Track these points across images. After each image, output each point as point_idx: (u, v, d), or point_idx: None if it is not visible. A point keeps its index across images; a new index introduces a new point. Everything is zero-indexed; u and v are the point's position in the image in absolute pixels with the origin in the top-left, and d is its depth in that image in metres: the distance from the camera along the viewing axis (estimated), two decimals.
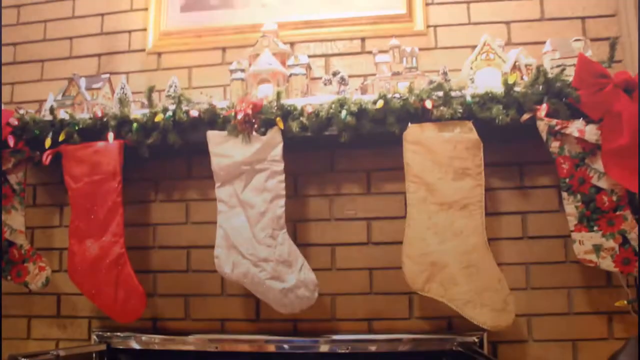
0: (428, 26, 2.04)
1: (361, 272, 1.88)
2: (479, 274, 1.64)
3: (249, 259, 1.71)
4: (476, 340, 1.76)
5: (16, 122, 1.88)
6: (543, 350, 1.80)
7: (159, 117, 1.77)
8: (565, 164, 1.64)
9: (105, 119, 1.83)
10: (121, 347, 1.96)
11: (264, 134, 1.72)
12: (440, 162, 1.67)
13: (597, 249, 1.62)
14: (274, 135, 1.71)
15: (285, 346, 1.85)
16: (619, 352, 1.18)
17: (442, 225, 1.67)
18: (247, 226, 1.73)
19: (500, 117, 1.61)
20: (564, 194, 1.65)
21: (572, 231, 1.65)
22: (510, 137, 1.79)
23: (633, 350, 1.14)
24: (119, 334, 1.96)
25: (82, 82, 1.99)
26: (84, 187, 1.84)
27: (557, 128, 1.62)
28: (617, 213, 1.61)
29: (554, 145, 1.65)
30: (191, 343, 1.90)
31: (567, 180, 1.64)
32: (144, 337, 1.94)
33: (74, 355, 1.95)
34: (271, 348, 1.87)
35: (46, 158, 1.84)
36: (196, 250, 1.97)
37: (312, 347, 1.85)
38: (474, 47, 1.80)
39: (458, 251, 1.66)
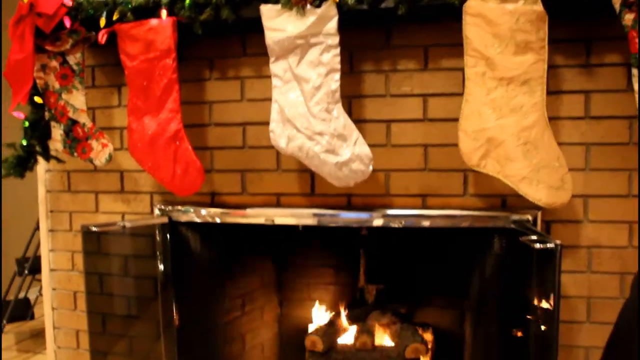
0: None
1: (416, 149, 1.86)
2: (537, 150, 1.61)
3: (303, 132, 1.72)
4: (530, 218, 1.75)
5: (70, 3, 1.88)
6: (597, 231, 1.78)
7: None
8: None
9: None
10: (182, 220, 2.06)
11: (318, 6, 1.66)
12: (501, 36, 1.59)
13: None
14: (329, 8, 1.65)
15: (340, 220, 1.90)
16: None
17: (500, 100, 1.62)
18: (301, 100, 1.72)
19: None
20: (634, 71, 1.55)
21: (638, 109, 1.58)
22: (578, 11, 1.68)
23: None
24: (179, 207, 2.05)
25: None
26: (140, 65, 1.86)
27: None
28: None
29: (628, 18, 1.52)
30: (248, 216, 1.98)
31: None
32: (203, 211, 2.02)
33: (138, 227, 2.08)
34: (326, 221, 1.92)
35: (102, 37, 1.85)
36: (251, 126, 1.99)
37: (365, 221, 1.89)
38: None
39: (516, 127, 1.61)
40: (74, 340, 2.33)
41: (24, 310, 3.83)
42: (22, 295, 3.83)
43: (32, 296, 3.95)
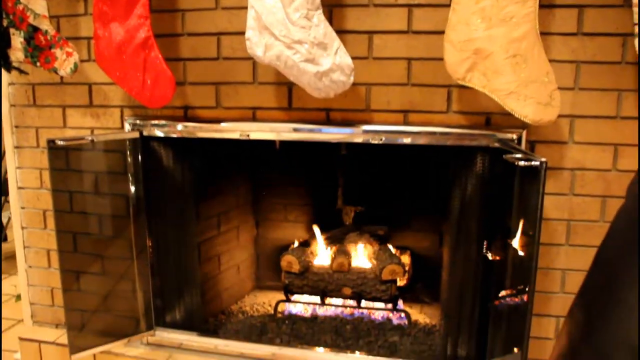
0: None
1: (399, 62, 1.77)
2: (526, 64, 1.53)
3: (282, 40, 1.61)
4: (515, 137, 1.70)
5: None
6: (582, 153, 1.73)
7: None
8: None
9: None
10: (153, 134, 1.98)
11: None
12: None
13: None
14: None
15: (318, 135, 1.82)
16: None
17: (490, 10, 1.52)
18: (280, 6, 1.60)
19: None
20: None
21: (635, 24, 1.50)
22: None
23: None
24: (152, 121, 1.96)
25: None
26: None
27: None
28: None
29: None
30: (223, 130, 1.89)
31: None
32: (179, 126, 1.93)
33: (108, 141, 1.99)
34: (304, 136, 1.84)
35: None
36: (226, 37, 1.87)
37: (345, 136, 1.82)
38: None
39: (505, 39, 1.52)
40: (44, 260, 2.28)
41: None
42: None
43: (4, 219, 3.87)
